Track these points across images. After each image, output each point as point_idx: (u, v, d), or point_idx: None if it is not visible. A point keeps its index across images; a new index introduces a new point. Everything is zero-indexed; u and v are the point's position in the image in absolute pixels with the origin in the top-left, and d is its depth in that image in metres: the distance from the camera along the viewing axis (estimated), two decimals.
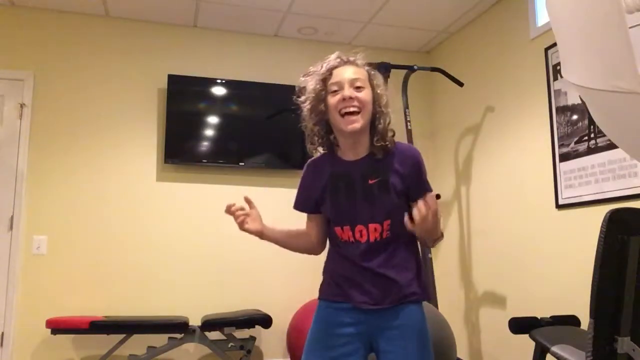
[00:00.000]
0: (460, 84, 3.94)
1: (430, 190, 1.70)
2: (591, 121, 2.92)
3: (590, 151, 2.94)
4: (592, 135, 2.92)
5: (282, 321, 3.88)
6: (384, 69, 3.75)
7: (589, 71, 1.42)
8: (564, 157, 3.11)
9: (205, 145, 4.06)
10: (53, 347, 3.63)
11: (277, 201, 4.19)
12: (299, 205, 1.86)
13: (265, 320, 3.52)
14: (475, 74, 4.02)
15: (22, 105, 3.82)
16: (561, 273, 3.09)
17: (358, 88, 1.65)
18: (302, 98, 1.74)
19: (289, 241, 1.88)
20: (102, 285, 3.79)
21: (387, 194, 1.66)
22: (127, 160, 3.97)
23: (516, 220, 3.50)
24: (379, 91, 1.70)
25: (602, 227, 1.66)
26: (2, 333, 3.59)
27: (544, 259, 3.24)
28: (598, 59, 1.39)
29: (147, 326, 3.45)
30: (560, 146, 3.15)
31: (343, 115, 1.64)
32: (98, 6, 3.92)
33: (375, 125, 1.69)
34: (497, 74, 3.79)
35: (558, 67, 3.17)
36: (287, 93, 4.18)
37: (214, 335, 3.56)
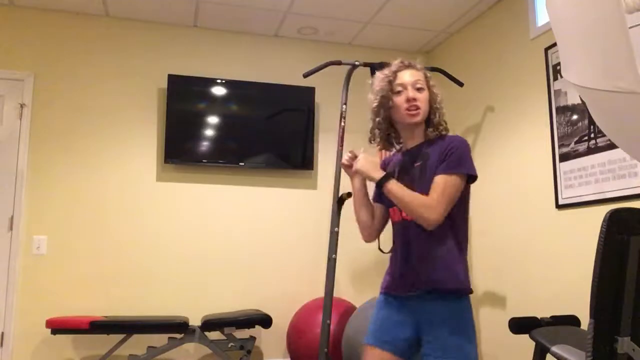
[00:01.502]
0: (460, 84, 3.94)
1: (457, 170, 1.84)
2: (591, 121, 2.91)
3: (590, 151, 2.93)
4: (592, 135, 2.92)
5: (282, 321, 3.88)
6: (384, 68, 3.75)
7: (589, 71, 1.42)
8: (564, 157, 3.11)
9: (205, 145, 4.06)
10: (53, 347, 3.64)
11: (277, 201, 4.20)
12: (373, 196, 2.11)
13: (265, 320, 3.52)
14: (475, 74, 4.02)
15: (22, 105, 3.82)
16: (561, 273, 3.09)
17: (419, 89, 1.95)
18: (370, 96, 2.02)
19: (363, 205, 2.05)
20: (102, 285, 3.79)
21: (425, 175, 1.88)
22: (127, 160, 3.97)
23: (516, 220, 3.50)
24: (434, 90, 1.99)
25: (602, 227, 1.66)
26: (2, 333, 3.59)
27: (544, 259, 3.24)
28: (598, 59, 1.39)
29: (147, 326, 3.45)
30: (560, 146, 3.15)
31: (407, 110, 1.93)
32: (98, 6, 3.92)
33: (430, 119, 1.98)
34: (497, 74, 3.79)
35: (558, 67, 3.17)
36: (287, 93, 4.25)
37: (214, 335, 3.56)
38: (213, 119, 4.09)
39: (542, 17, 3.38)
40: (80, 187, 3.86)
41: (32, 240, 3.72)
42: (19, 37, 3.89)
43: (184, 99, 4.04)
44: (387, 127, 2.01)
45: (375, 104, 1.98)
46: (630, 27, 1.40)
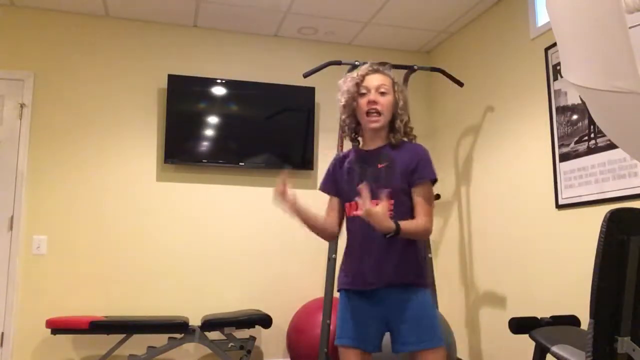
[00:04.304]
0: (460, 84, 3.94)
1: (431, 177, 2.00)
2: (591, 121, 2.92)
3: (590, 151, 2.94)
4: (592, 135, 2.92)
5: (282, 321, 3.88)
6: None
7: (589, 71, 1.42)
8: (564, 157, 3.11)
9: (205, 145, 4.06)
10: (53, 347, 3.63)
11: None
12: (323, 187, 2.23)
13: (265, 320, 3.52)
14: (475, 74, 4.02)
15: (22, 105, 3.82)
16: (561, 273, 3.09)
17: (382, 93, 2.03)
18: (339, 96, 2.12)
19: (315, 221, 2.14)
20: (102, 285, 3.79)
21: (392, 177, 1.98)
22: (127, 160, 3.97)
23: (516, 220, 3.50)
24: (398, 96, 2.07)
25: (602, 227, 1.66)
26: (2, 333, 3.59)
27: (543, 259, 3.24)
28: (598, 59, 1.39)
29: (147, 326, 3.45)
30: (560, 146, 3.15)
31: (367, 114, 2.02)
32: (98, 6, 3.92)
33: (392, 124, 2.06)
34: (497, 74, 3.79)
35: (558, 67, 3.17)
36: (287, 93, 4.25)
37: (214, 335, 3.56)
38: (213, 119, 4.09)
39: (542, 17, 3.38)
40: (80, 187, 3.86)
41: (32, 240, 3.72)
42: (19, 37, 3.89)
43: (184, 99, 4.04)
44: (354, 126, 2.12)
45: (342, 104, 2.10)
46: (630, 27, 1.40)
